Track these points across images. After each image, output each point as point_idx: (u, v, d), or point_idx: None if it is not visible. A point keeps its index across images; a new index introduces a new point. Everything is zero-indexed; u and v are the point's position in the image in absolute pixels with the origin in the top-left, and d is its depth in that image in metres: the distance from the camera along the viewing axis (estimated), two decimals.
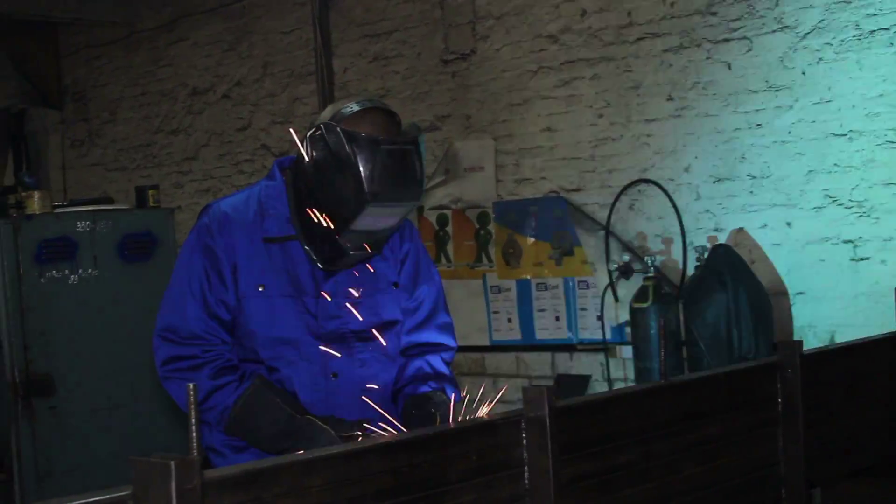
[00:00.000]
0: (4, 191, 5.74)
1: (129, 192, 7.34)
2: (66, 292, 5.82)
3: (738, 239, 6.09)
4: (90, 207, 5.92)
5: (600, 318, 6.54)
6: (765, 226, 6.03)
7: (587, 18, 6.68)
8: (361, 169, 2.89)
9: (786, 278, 5.95)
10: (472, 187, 7.28)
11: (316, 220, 2.99)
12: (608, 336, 6.54)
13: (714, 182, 6.21)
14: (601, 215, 6.64)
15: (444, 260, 7.42)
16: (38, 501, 2.01)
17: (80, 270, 5.80)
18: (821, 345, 5.34)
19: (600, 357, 6.63)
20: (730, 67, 6.12)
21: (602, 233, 6.62)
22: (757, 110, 6.03)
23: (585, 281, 6.72)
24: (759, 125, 6.03)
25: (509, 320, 7.14)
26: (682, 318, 5.85)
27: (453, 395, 3.08)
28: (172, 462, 1.93)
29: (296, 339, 3.04)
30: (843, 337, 5.42)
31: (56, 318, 5.74)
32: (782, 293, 5.92)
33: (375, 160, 2.89)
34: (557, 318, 6.90)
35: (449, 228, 7.41)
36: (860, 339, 4.36)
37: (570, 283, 6.82)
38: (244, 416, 2.96)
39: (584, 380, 6.73)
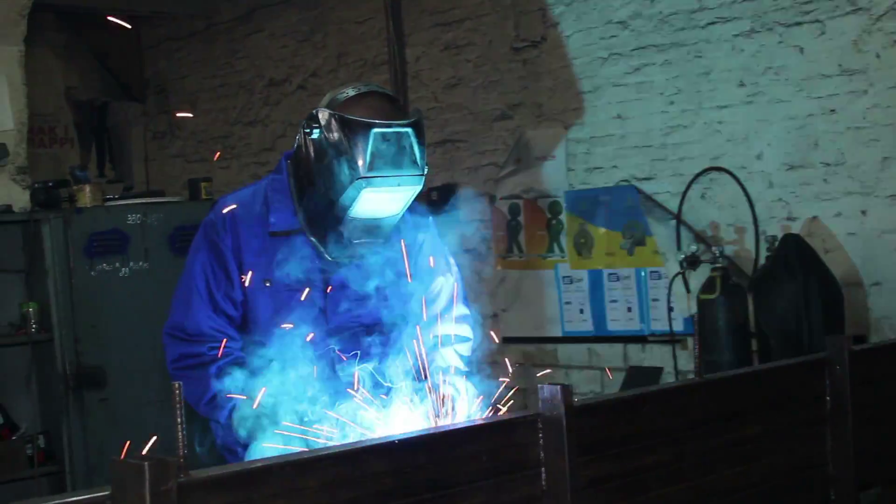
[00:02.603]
0: (56, 184, 5.79)
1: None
2: (117, 285, 5.85)
3: (811, 228, 5.92)
4: (141, 200, 5.94)
5: (672, 308, 6.41)
6: (839, 214, 5.85)
7: (657, 3, 6.54)
8: (354, 152, 2.83)
9: (861, 269, 5.77)
10: (543, 176, 7.19)
11: (317, 209, 2.94)
12: (679, 327, 6.40)
13: (787, 170, 6.04)
14: (672, 204, 6.50)
15: (516, 250, 7.35)
16: (17, 501, 1.97)
17: (131, 263, 5.82)
18: None
19: (675, 348, 6.50)
20: (802, 51, 5.94)
21: (673, 222, 6.48)
22: (830, 95, 5.85)
23: (657, 271, 6.60)
24: (832, 111, 5.84)
25: (581, 311, 7.04)
26: (751, 309, 5.70)
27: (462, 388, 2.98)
28: (146, 463, 1.90)
29: (303, 334, 2.99)
30: None
31: (107, 311, 5.77)
32: (856, 284, 5.74)
33: (369, 143, 2.83)
34: (629, 309, 6.79)
35: (521, 218, 7.32)
36: None
37: (642, 274, 6.71)
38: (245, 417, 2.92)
39: (657, 372, 6.61)
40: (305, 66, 8.73)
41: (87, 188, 5.67)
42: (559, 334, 7.15)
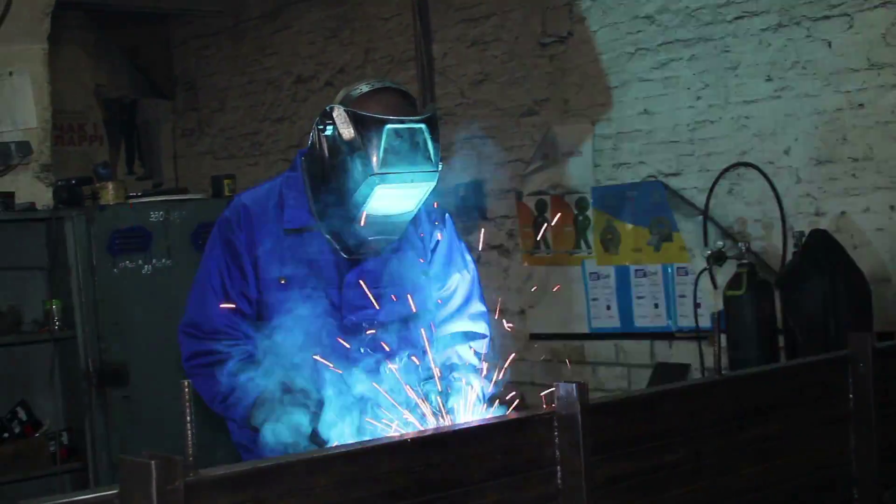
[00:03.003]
0: (79, 182, 5.81)
1: (238, 180, 7.40)
2: (140, 282, 5.85)
3: (839, 223, 5.86)
4: (164, 197, 5.95)
5: (699, 305, 6.37)
6: (867, 209, 5.80)
7: None
8: (368, 149, 2.82)
9: (890, 264, 5.71)
10: (570, 172, 7.16)
11: (332, 206, 2.93)
12: (707, 324, 6.35)
13: (815, 165, 5.99)
14: (700, 200, 6.45)
15: (543, 246, 7.32)
16: (24, 501, 1.97)
17: (154, 261, 5.82)
18: None
19: (702, 345, 6.45)
20: (830, 46, 5.89)
21: (700, 218, 6.44)
22: (859, 90, 5.79)
23: (684, 267, 6.56)
24: (861, 105, 5.78)
25: (608, 307, 7.01)
26: (778, 306, 5.65)
27: (475, 384, 2.96)
28: (153, 462, 1.90)
29: (318, 332, 2.98)
30: None
31: (129, 308, 5.77)
32: (885, 280, 5.69)
33: (382, 140, 2.82)
34: (656, 306, 6.75)
35: (548, 214, 7.30)
36: None
37: (669, 270, 6.67)
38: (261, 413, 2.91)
39: (684, 368, 6.57)
40: (333, 63, 8.74)
41: (110, 185, 5.67)
42: (586, 331, 7.12)
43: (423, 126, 2.90)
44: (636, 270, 6.82)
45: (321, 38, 8.82)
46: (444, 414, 2.84)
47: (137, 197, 5.89)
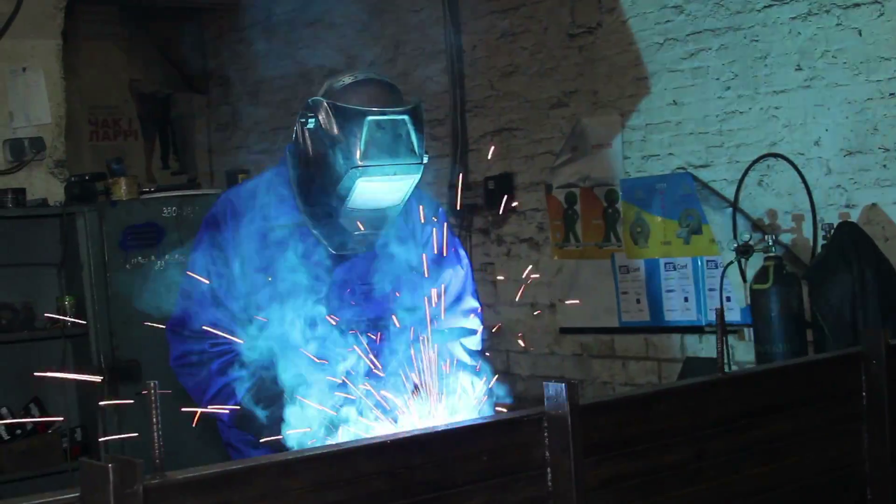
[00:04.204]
0: (93, 177, 5.80)
1: None
2: (151, 278, 5.81)
3: (870, 215, 5.74)
4: (176, 193, 5.93)
5: (728, 299, 6.27)
6: None
7: None
8: (348, 141, 2.77)
9: None
10: (599, 164, 7.08)
11: (317, 201, 2.88)
12: (738, 318, 6.26)
13: (845, 155, 5.87)
14: (729, 192, 6.35)
15: (572, 239, 7.25)
16: None
17: (167, 256, 5.81)
18: None
19: (730, 339, 6.36)
20: (860, 34, 5.76)
21: (730, 210, 6.34)
22: (890, 79, 5.66)
23: (714, 260, 6.46)
24: (892, 94, 5.65)
25: (638, 301, 6.92)
26: (806, 299, 5.55)
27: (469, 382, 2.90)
28: (110, 465, 1.86)
29: (306, 329, 2.93)
30: None
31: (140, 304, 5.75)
32: None
33: (363, 131, 2.77)
34: (686, 299, 6.66)
35: (577, 207, 7.22)
36: None
37: (699, 263, 6.58)
38: (250, 412, 2.87)
39: (713, 363, 6.46)
40: (363, 56, 8.68)
41: (123, 181, 5.66)
42: (616, 325, 7.04)
43: (406, 117, 2.85)
44: (666, 263, 6.74)
45: (352, 32, 8.78)
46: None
47: (150, 192, 5.87)
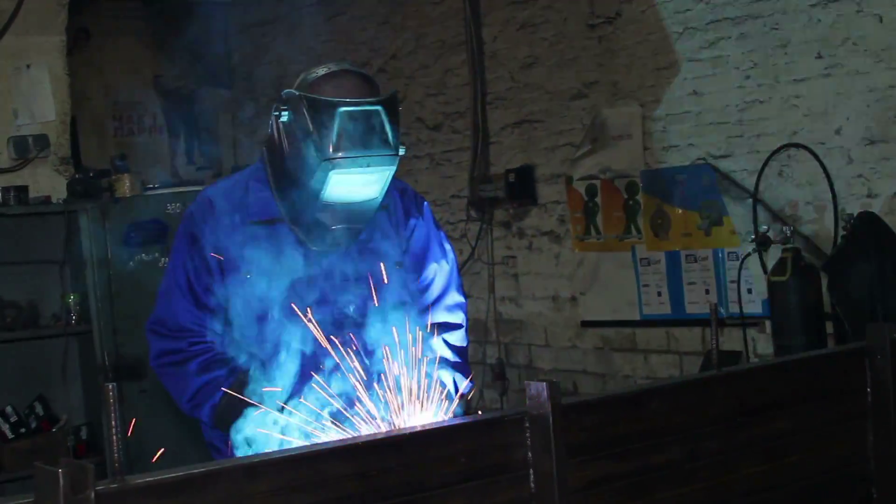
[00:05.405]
0: (98, 174, 5.77)
1: None
2: (156, 275, 5.77)
3: (892, 205, 5.64)
4: (180, 189, 5.89)
5: (750, 291, 6.18)
6: None
7: None
8: (320, 133, 2.71)
9: None
10: (619, 156, 6.99)
11: (293, 196, 2.83)
12: (759, 310, 6.17)
13: (867, 145, 5.77)
14: (749, 182, 6.25)
15: (593, 231, 7.17)
16: None
17: None
18: None
19: (751, 332, 6.27)
20: (881, 20, 5.65)
21: (750, 201, 6.24)
22: None
23: (735, 252, 6.37)
24: None
25: (659, 294, 6.84)
26: (825, 291, 5.45)
27: (450, 379, 2.84)
28: (60, 470, 1.82)
29: (286, 326, 2.87)
30: None
31: (145, 302, 5.70)
32: None
33: (335, 123, 2.71)
34: (707, 291, 6.57)
35: (598, 199, 7.15)
36: None
37: (720, 255, 6.49)
38: (227, 413, 2.82)
39: (735, 356, 6.38)
40: (385, 49, 8.65)
41: (126, 178, 5.63)
42: (637, 318, 6.96)
43: (379, 108, 2.79)
44: (686, 255, 6.65)
45: (373, 25, 8.73)
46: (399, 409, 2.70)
47: (154, 189, 5.84)
